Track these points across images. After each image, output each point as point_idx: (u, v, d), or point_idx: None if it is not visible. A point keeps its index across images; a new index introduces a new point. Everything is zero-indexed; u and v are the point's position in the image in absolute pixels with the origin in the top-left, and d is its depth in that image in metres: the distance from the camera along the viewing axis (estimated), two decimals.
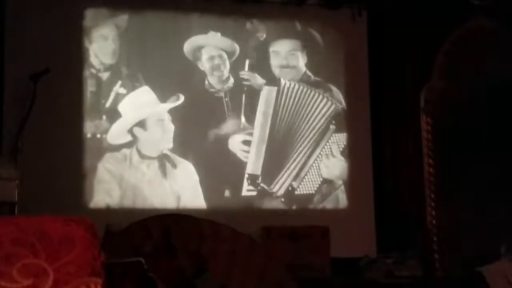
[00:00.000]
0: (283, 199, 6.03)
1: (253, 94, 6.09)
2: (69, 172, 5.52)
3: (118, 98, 5.75)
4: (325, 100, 6.24)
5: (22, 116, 5.07)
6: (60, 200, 5.24)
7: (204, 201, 5.82)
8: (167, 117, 5.82)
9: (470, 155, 5.96)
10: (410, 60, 6.25)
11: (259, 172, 5.98)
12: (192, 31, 6.02)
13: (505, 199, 5.88)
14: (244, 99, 6.06)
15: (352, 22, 6.31)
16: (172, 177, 5.79)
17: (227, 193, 5.91)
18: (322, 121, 6.23)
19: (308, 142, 6.16)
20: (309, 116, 6.18)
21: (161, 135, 5.80)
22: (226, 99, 6.02)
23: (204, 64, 6.01)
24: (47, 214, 2.27)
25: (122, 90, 5.77)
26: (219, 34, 6.06)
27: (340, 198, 6.17)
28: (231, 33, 6.10)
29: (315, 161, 6.16)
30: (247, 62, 6.10)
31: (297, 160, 6.12)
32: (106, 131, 5.68)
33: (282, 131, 6.11)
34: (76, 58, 5.69)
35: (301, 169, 6.11)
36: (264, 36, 6.20)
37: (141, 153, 5.74)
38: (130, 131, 5.73)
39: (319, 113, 6.22)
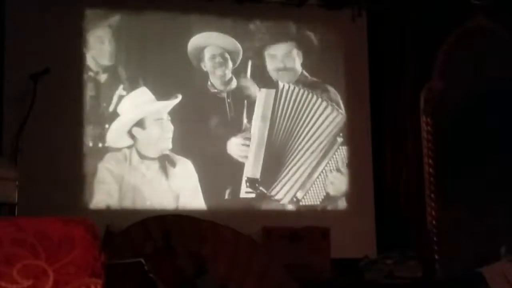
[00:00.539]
0: (282, 202, 6.02)
1: (255, 96, 6.09)
2: (69, 172, 5.51)
3: (118, 100, 5.75)
4: (324, 102, 6.24)
5: (22, 116, 5.07)
6: (60, 201, 5.23)
7: (204, 202, 5.81)
8: (166, 117, 5.81)
9: (470, 155, 5.96)
10: (410, 61, 6.25)
11: (258, 176, 5.97)
12: (193, 31, 6.01)
13: (505, 199, 5.89)
14: (246, 101, 6.06)
15: (352, 22, 6.31)
16: (172, 178, 5.78)
17: (227, 194, 5.90)
18: (321, 122, 6.23)
19: (307, 143, 6.16)
20: (308, 119, 6.18)
21: (160, 134, 5.79)
22: (229, 100, 6.02)
23: (207, 64, 6.01)
24: (47, 215, 2.27)
25: (122, 92, 5.76)
26: (221, 34, 6.06)
27: (341, 199, 6.16)
28: (234, 34, 6.10)
29: (315, 160, 6.16)
30: (249, 63, 6.10)
31: (296, 164, 6.10)
32: (106, 132, 5.68)
33: (281, 134, 6.10)
34: (76, 58, 5.68)
35: (300, 169, 6.10)
36: (265, 37, 6.20)
37: (141, 154, 5.73)
38: (130, 132, 5.73)
39: (319, 116, 6.22)
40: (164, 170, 5.76)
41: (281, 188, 6.04)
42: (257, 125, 6.04)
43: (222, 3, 6.05)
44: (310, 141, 6.16)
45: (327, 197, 6.12)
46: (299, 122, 6.16)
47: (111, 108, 5.71)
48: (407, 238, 5.93)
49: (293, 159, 6.10)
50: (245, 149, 5.99)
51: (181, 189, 5.80)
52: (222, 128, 5.96)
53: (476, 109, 5.99)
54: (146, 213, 5.11)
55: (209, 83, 5.99)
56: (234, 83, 6.04)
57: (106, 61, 5.78)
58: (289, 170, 6.07)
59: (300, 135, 6.14)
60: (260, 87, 6.10)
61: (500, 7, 6.12)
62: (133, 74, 5.81)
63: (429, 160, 6.02)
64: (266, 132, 6.06)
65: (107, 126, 5.69)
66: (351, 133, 6.25)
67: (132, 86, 5.79)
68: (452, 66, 6.14)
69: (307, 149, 6.14)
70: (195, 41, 5.98)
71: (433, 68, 6.10)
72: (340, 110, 6.27)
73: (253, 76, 6.08)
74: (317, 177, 6.14)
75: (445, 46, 6.10)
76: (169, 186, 5.77)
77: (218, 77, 6.01)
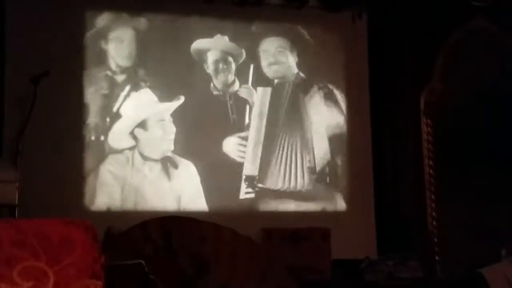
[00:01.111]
0: (283, 200, 6.03)
1: (255, 98, 6.10)
2: (70, 174, 5.52)
3: (120, 101, 5.75)
4: (323, 102, 6.24)
5: (23, 118, 5.08)
6: (61, 203, 5.24)
7: (205, 203, 5.82)
8: (168, 118, 5.82)
9: (470, 156, 5.96)
10: (410, 62, 6.25)
11: (256, 173, 5.98)
12: (197, 33, 6.02)
13: (506, 200, 5.89)
14: (248, 103, 6.06)
15: (352, 24, 6.31)
16: (173, 179, 5.79)
17: (228, 195, 5.90)
18: (321, 122, 6.23)
19: (306, 143, 6.16)
20: (306, 118, 6.18)
21: (162, 135, 5.80)
22: (231, 102, 6.02)
23: (210, 67, 6.02)
24: (47, 217, 2.28)
25: (124, 93, 5.77)
26: (225, 37, 6.07)
27: (341, 200, 6.16)
28: (236, 36, 6.10)
29: (314, 161, 6.16)
30: (251, 65, 6.10)
31: (294, 161, 6.11)
32: (108, 133, 5.68)
33: (278, 132, 6.10)
34: (76, 59, 5.69)
35: (299, 169, 6.11)
36: (265, 38, 6.20)
37: (143, 155, 5.74)
38: (132, 133, 5.73)
39: (317, 115, 6.22)
40: (166, 171, 5.77)
41: (282, 185, 6.04)
42: (255, 124, 6.05)
43: (223, 6, 6.05)
44: (306, 139, 6.17)
45: (327, 197, 6.13)
46: (297, 120, 6.16)
47: (113, 110, 5.72)
48: (407, 239, 5.93)
49: (291, 156, 6.10)
50: (245, 150, 6.01)
51: (183, 191, 5.81)
52: (224, 130, 5.97)
53: (476, 110, 5.99)
54: (148, 215, 5.10)
55: (211, 85, 6.00)
56: (236, 85, 6.04)
57: (124, 62, 5.81)
58: (286, 167, 6.07)
59: (299, 133, 6.15)
60: (261, 87, 6.11)
61: (500, 9, 6.12)
62: (136, 75, 5.82)
63: (429, 161, 6.02)
64: (263, 130, 6.06)
65: (109, 127, 5.69)
66: (351, 134, 6.26)
67: (134, 87, 5.80)
68: (452, 68, 6.14)
69: (303, 146, 6.14)
70: (198, 44, 5.99)
71: (433, 70, 6.10)
72: (340, 111, 6.28)
73: (255, 77, 6.09)
74: (316, 177, 6.15)
75: (445, 48, 6.10)
76: (171, 188, 5.77)
77: (221, 80, 6.02)
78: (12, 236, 2.14)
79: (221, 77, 6.03)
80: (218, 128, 5.97)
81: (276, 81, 6.16)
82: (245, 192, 5.95)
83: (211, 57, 6.02)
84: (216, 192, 5.86)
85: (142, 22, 5.90)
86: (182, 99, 5.84)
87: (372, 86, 6.35)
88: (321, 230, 5.64)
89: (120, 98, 5.76)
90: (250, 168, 5.97)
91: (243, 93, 6.06)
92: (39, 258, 2.13)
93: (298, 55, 6.25)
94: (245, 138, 6.02)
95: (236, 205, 5.89)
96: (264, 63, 6.16)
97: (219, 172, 5.89)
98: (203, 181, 5.84)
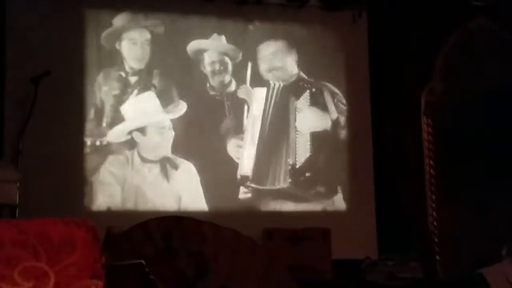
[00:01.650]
0: (280, 200, 6.02)
1: (252, 98, 6.10)
2: (71, 174, 5.52)
3: (122, 101, 5.76)
4: (322, 102, 6.24)
5: (24, 118, 5.07)
6: (61, 203, 5.23)
7: (205, 203, 5.82)
8: (168, 124, 5.81)
9: (470, 156, 5.96)
10: (411, 62, 6.25)
11: (250, 173, 5.97)
12: (194, 33, 6.01)
13: (506, 200, 5.88)
14: (245, 103, 6.06)
15: (353, 23, 6.31)
16: (173, 179, 5.78)
17: (228, 195, 5.90)
18: (320, 122, 6.23)
19: (305, 143, 6.16)
20: (304, 118, 6.18)
21: (160, 141, 5.80)
22: (228, 103, 6.02)
23: (206, 67, 6.01)
24: (48, 217, 2.27)
25: (126, 93, 5.77)
26: (222, 37, 6.06)
27: (341, 200, 6.16)
28: (234, 36, 6.10)
29: (314, 161, 6.16)
30: (249, 65, 6.10)
31: (292, 161, 6.10)
32: (108, 133, 5.68)
33: (273, 132, 6.09)
34: (76, 59, 5.68)
35: (298, 168, 6.10)
36: (265, 38, 6.20)
37: (142, 157, 5.74)
38: (131, 135, 5.73)
39: (316, 115, 6.22)
40: (166, 172, 5.77)
41: (278, 184, 6.03)
42: (251, 124, 6.04)
43: (223, 5, 6.05)
44: (305, 139, 6.16)
45: (327, 197, 6.13)
46: (291, 120, 6.16)
47: (114, 110, 5.71)
48: (408, 239, 5.93)
49: (289, 156, 6.10)
50: (242, 150, 6.01)
51: (183, 191, 5.81)
52: (222, 130, 5.96)
53: (476, 109, 5.98)
54: (148, 215, 5.09)
55: (208, 85, 6.00)
56: (233, 86, 6.04)
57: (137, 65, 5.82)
58: (285, 167, 6.07)
59: (293, 133, 6.15)
60: (257, 87, 6.11)
61: (500, 8, 6.12)
62: (136, 76, 5.82)
63: (430, 161, 6.02)
64: (259, 130, 6.05)
65: (109, 128, 5.69)
66: (351, 133, 6.26)
67: (134, 88, 5.80)
68: (452, 67, 6.14)
69: (301, 146, 6.14)
70: (195, 44, 5.99)
71: (434, 69, 6.10)
72: (340, 110, 6.27)
73: (252, 77, 6.09)
74: (315, 176, 6.15)
75: (446, 47, 6.10)
76: (171, 188, 5.77)
77: (218, 81, 6.02)
78: (13, 236, 2.14)
79: (217, 79, 6.02)
80: (217, 128, 5.97)
81: (274, 81, 6.16)
82: (242, 192, 5.95)
83: (207, 59, 6.02)
84: (215, 192, 5.86)
85: (140, 21, 5.91)
86: (185, 107, 5.84)
87: (372, 85, 6.35)
88: (322, 230, 5.64)
89: (121, 99, 5.75)
90: (245, 168, 5.97)
91: (240, 93, 6.06)
92: (39, 258, 2.13)
93: (298, 55, 6.24)
94: (242, 138, 6.01)
95: (235, 205, 5.89)
96: (263, 64, 6.15)
97: (218, 172, 5.89)
98: (203, 181, 5.84)
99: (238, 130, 6.00)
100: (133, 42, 5.85)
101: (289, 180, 6.05)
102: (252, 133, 6.04)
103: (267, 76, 6.15)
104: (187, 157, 5.83)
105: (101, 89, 5.71)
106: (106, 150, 5.66)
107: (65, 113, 5.55)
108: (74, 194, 5.51)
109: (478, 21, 6.16)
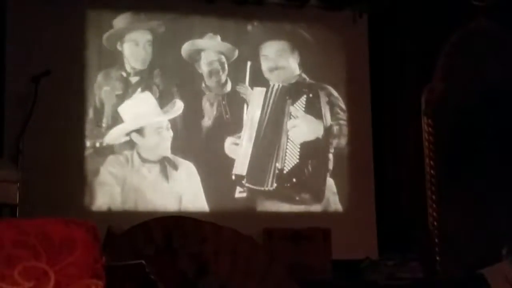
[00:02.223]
0: (282, 200, 6.02)
1: (250, 97, 6.10)
2: (71, 174, 5.52)
3: (122, 102, 5.76)
4: (322, 102, 6.24)
5: (24, 117, 5.08)
6: (62, 203, 5.24)
7: (205, 203, 5.82)
8: (166, 124, 5.81)
9: (471, 156, 5.96)
10: (411, 62, 6.26)
11: (244, 173, 5.97)
12: (192, 33, 6.01)
13: (507, 200, 5.88)
14: (243, 102, 6.06)
15: (353, 23, 6.32)
16: (173, 179, 5.79)
17: (227, 195, 5.90)
18: (320, 122, 6.23)
19: (304, 142, 6.16)
20: (303, 118, 6.18)
21: (158, 142, 5.80)
22: (224, 102, 6.02)
23: (202, 67, 6.01)
24: (48, 217, 2.27)
25: (126, 93, 5.78)
26: (218, 37, 6.06)
27: (341, 200, 6.16)
28: (231, 36, 6.10)
29: (313, 161, 6.16)
30: (248, 64, 6.10)
31: (280, 165, 6.10)
32: (108, 134, 5.68)
33: (272, 131, 6.09)
34: (77, 59, 5.69)
35: (285, 173, 6.10)
36: (264, 38, 6.20)
37: (141, 157, 5.74)
38: (129, 136, 5.74)
39: (315, 115, 6.22)
40: (166, 172, 5.77)
41: (278, 184, 6.03)
42: (248, 124, 6.05)
43: (223, 5, 6.05)
44: (303, 139, 6.16)
45: (327, 197, 6.13)
46: (288, 121, 6.16)
47: (114, 111, 5.72)
48: (408, 239, 5.93)
49: (287, 155, 6.10)
50: (238, 149, 6.02)
51: (183, 191, 5.81)
52: (219, 129, 5.96)
53: (477, 110, 5.98)
54: (148, 215, 5.09)
55: (203, 85, 5.99)
56: (229, 85, 6.04)
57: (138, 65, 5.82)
58: (283, 166, 6.07)
59: (291, 133, 6.14)
60: (256, 87, 6.12)
61: (500, 8, 6.12)
62: (137, 77, 5.82)
63: (430, 161, 6.01)
64: (255, 130, 6.05)
65: (109, 128, 5.69)
66: (351, 134, 6.26)
67: (134, 88, 5.80)
68: (453, 67, 6.14)
69: (305, 147, 6.14)
70: (192, 44, 5.99)
71: (434, 69, 6.09)
72: (340, 110, 6.28)
73: (251, 77, 6.09)
74: (315, 176, 6.14)
75: (446, 47, 6.09)
76: (171, 188, 5.78)
77: (214, 81, 6.02)
78: (13, 236, 2.14)
79: (214, 79, 6.03)
80: (212, 127, 5.97)
81: (274, 82, 6.16)
82: (238, 192, 5.95)
83: (204, 58, 6.02)
84: (215, 192, 5.86)
85: (139, 21, 5.91)
86: (181, 107, 5.84)
87: (372, 85, 6.35)
88: (322, 230, 5.64)
89: (122, 100, 5.75)
90: (240, 168, 5.97)
91: (237, 92, 6.06)
92: (40, 258, 2.13)
93: (299, 55, 6.24)
94: (240, 137, 6.01)
95: (237, 205, 5.89)
96: (263, 64, 6.16)
97: (218, 172, 5.89)
98: (203, 181, 5.84)
99: (236, 129, 6.00)
100: (135, 43, 5.85)
101: (275, 185, 6.05)
102: (250, 132, 6.04)
103: (268, 75, 6.15)
104: (186, 157, 5.83)
105: (102, 89, 5.72)
106: (106, 150, 5.67)
107: (66, 113, 5.55)
108: (74, 194, 5.52)
109: (478, 21, 6.15)
